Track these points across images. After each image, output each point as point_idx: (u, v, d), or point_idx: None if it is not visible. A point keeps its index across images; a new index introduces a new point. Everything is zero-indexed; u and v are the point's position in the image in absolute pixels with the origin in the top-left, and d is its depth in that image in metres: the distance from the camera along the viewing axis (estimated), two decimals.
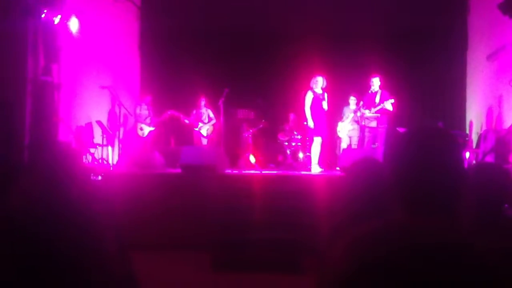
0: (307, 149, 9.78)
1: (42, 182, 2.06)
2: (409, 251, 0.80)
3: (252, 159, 9.49)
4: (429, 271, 0.77)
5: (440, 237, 0.84)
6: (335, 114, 9.97)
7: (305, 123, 9.20)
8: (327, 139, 9.25)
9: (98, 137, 9.49)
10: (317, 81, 8.72)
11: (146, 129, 10.37)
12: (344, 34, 11.16)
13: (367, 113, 9.18)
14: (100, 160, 9.19)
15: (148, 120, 10.38)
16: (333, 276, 0.87)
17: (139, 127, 10.38)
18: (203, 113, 10.52)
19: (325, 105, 8.73)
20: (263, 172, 8.67)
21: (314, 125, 8.66)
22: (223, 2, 11.09)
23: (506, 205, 2.15)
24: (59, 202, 1.11)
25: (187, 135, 10.73)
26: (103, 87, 9.58)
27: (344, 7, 10.85)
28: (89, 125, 9.31)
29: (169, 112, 10.33)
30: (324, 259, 2.00)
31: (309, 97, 8.68)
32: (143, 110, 10.39)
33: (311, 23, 10.76)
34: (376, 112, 9.09)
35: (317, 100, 8.68)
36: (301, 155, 10.29)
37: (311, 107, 8.66)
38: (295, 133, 10.41)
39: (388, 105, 8.94)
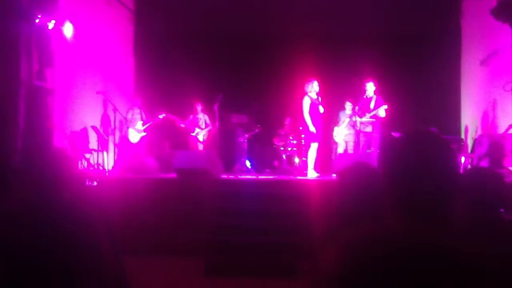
0: (303, 154, 9.77)
1: (35, 187, 2.04)
2: (400, 256, 0.80)
3: (247, 164, 9.48)
4: (420, 276, 0.77)
5: (429, 242, 0.85)
6: (331, 119, 9.98)
7: (300, 128, 9.19)
8: (323, 144, 9.26)
9: (93, 143, 9.45)
10: (313, 85, 8.75)
11: (137, 135, 10.16)
12: (338, 39, 11.18)
13: (361, 118, 9.20)
14: (95, 166, 9.15)
15: (140, 125, 10.19)
16: (324, 280, 0.87)
17: (130, 132, 10.16)
18: (200, 118, 10.49)
19: (321, 108, 8.78)
20: (259, 177, 8.66)
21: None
22: (217, 7, 11.09)
23: (502, 210, 2.15)
24: (52, 207, 1.10)
25: (182, 140, 10.67)
26: (99, 93, 9.56)
27: (337, 13, 10.88)
28: (84, 131, 9.27)
29: (160, 116, 10.14)
30: (317, 263, 1.99)
31: (307, 103, 8.71)
32: (136, 115, 10.19)
33: (306, 27, 10.79)
34: (371, 118, 9.12)
35: (314, 105, 8.73)
36: (297, 160, 10.28)
37: (309, 113, 8.69)
38: (290, 138, 10.39)
39: (382, 111, 9.00)
